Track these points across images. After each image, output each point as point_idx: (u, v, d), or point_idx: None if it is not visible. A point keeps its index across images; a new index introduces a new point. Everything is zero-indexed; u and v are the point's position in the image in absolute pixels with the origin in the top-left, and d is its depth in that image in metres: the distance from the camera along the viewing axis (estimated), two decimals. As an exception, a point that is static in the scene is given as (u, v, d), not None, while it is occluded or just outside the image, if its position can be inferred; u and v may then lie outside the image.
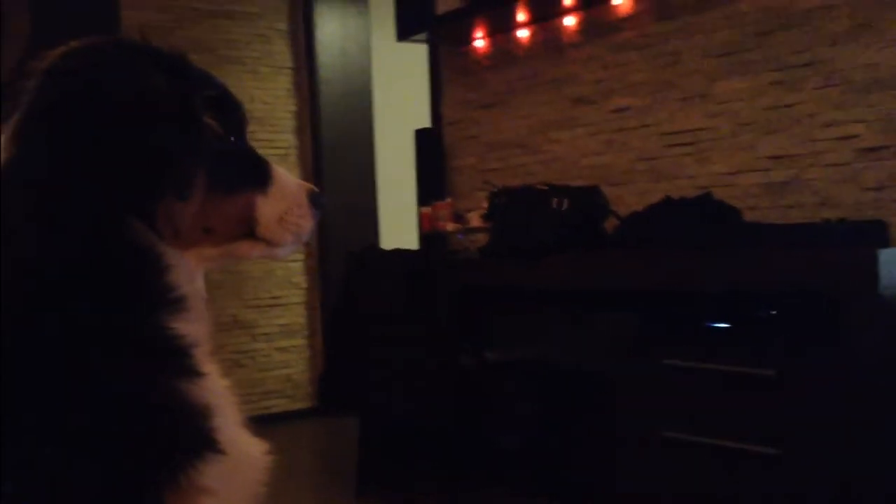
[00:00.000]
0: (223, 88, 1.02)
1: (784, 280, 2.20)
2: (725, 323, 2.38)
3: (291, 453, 4.30)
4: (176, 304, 0.89)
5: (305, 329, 5.20)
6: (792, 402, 2.15)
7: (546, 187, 3.08)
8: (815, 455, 2.10)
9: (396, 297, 3.30)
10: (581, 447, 3.08)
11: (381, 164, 5.39)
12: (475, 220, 3.61)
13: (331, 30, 5.17)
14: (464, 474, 3.36)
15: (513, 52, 3.89)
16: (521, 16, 3.71)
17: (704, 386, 2.35)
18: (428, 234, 4.00)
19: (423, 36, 4.23)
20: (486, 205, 3.34)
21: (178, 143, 0.91)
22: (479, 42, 4.03)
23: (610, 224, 2.94)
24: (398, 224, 5.40)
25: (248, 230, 1.03)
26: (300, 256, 5.16)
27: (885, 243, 2.34)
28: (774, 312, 2.30)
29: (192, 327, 0.90)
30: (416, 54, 4.72)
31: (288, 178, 1.08)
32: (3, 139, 0.89)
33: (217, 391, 0.91)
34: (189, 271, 0.96)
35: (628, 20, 3.40)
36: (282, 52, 5.12)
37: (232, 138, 1.01)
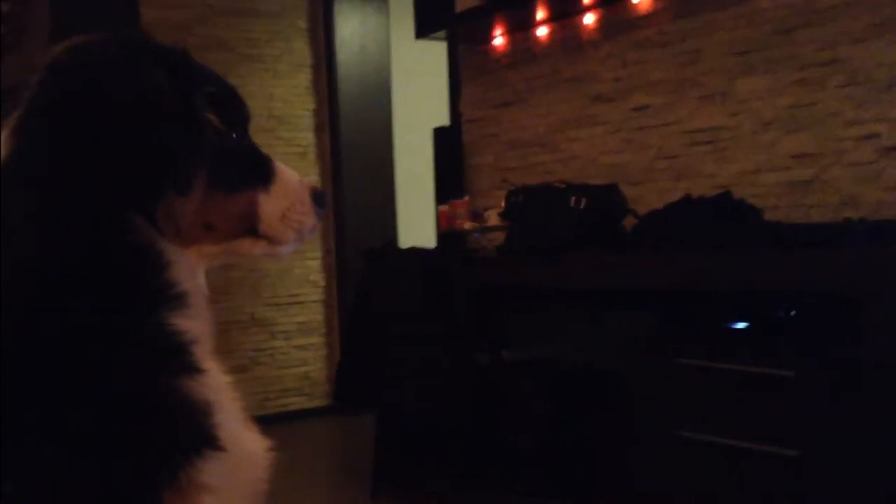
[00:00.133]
0: (225, 85, 1.02)
1: (803, 280, 2.18)
2: (744, 322, 2.36)
3: (307, 451, 4.31)
4: (177, 300, 0.89)
5: (323, 327, 5.21)
6: (810, 402, 2.13)
7: (564, 186, 3.07)
8: (834, 456, 2.08)
9: (413, 295, 3.29)
10: (597, 446, 3.06)
11: (400, 162, 5.38)
12: (493, 218, 3.59)
13: (350, 28, 5.17)
14: (479, 473, 3.35)
15: (532, 49, 3.87)
16: (541, 14, 3.69)
17: (722, 386, 2.32)
18: (445, 233, 3.99)
19: (442, 34, 4.22)
20: (503, 203, 3.32)
21: (178, 141, 0.90)
22: (499, 40, 4.01)
23: (628, 223, 2.92)
24: (416, 222, 5.40)
25: (250, 227, 1.03)
26: (318, 254, 5.17)
27: (906, 243, 2.31)
28: (794, 312, 2.28)
29: (193, 324, 0.90)
30: (436, 52, 4.72)
31: (291, 175, 1.07)
32: (3, 136, 0.89)
33: (218, 388, 0.91)
34: (190, 268, 0.95)
35: (648, 18, 3.37)
36: (301, 50, 5.13)
37: (234, 135, 1.00)
